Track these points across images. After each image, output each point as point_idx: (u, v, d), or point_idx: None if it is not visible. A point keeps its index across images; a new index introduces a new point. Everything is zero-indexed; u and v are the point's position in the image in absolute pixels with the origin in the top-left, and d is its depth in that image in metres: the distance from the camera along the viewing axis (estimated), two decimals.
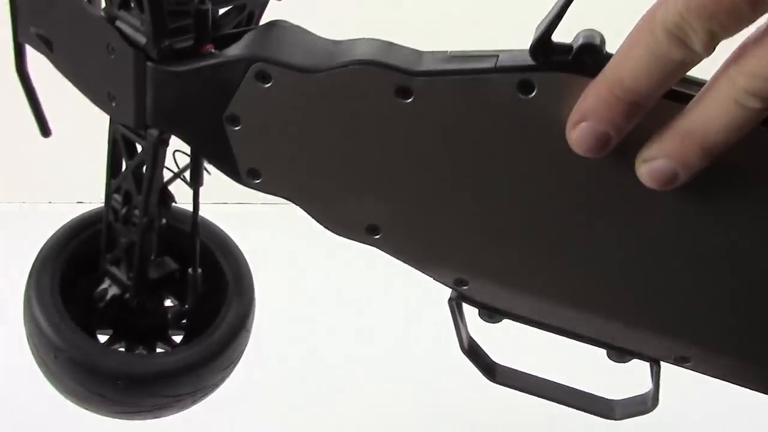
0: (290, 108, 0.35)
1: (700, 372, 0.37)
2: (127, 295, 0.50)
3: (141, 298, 0.51)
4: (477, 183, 0.34)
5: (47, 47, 0.42)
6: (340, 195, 0.37)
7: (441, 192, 0.35)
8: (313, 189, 0.37)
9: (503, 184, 0.34)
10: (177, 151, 0.45)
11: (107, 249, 0.50)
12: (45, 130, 0.49)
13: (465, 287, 0.38)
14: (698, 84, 0.30)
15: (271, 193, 0.38)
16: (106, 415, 0.52)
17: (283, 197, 0.38)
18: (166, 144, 0.43)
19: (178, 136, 0.40)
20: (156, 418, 0.53)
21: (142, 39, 0.37)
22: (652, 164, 0.30)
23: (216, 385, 0.53)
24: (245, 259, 0.55)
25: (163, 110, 0.38)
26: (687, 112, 0.29)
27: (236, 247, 0.55)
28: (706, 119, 0.28)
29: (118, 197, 0.48)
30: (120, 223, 0.48)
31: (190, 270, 0.51)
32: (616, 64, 0.29)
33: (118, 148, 0.46)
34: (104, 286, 0.51)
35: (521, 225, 0.35)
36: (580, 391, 0.40)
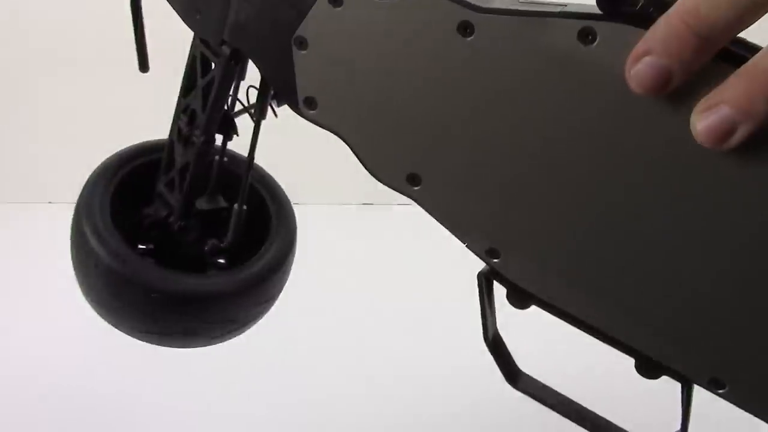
0: (356, 35, 0.36)
1: (736, 403, 0.33)
2: (171, 218, 0.51)
3: (183, 222, 0.51)
4: (524, 136, 0.34)
5: None
6: (390, 134, 0.37)
7: (487, 143, 0.35)
8: (364, 125, 0.38)
9: (551, 139, 0.33)
10: (251, 87, 0.48)
11: (165, 170, 0.51)
12: (144, 65, 0.52)
13: (496, 260, 0.36)
14: (757, 50, 0.28)
15: (324, 126, 0.39)
16: (136, 336, 0.51)
17: (333, 131, 0.39)
18: (238, 64, 0.45)
19: (248, 55, 0.42)
20: (185, 346, 0.52)
21: None
22: (711, 113, 0.27)
23: (248, 322, 0.52)
24: (291, 204, 0.55)
25: (240, 26, 0.41)
26: (756, 56, 0.26)
27: (283, 191, 0.56)
28: None
29: (184, 117, 0.49)
30: (181, 143, 0.49)
31: (235, 206, 0.52)
32: None
33: (195, 66, 0.48)
34: (152, 207, 0.52)
35: (565, 188, 0.34)
36: (603, 419, 0.38)
